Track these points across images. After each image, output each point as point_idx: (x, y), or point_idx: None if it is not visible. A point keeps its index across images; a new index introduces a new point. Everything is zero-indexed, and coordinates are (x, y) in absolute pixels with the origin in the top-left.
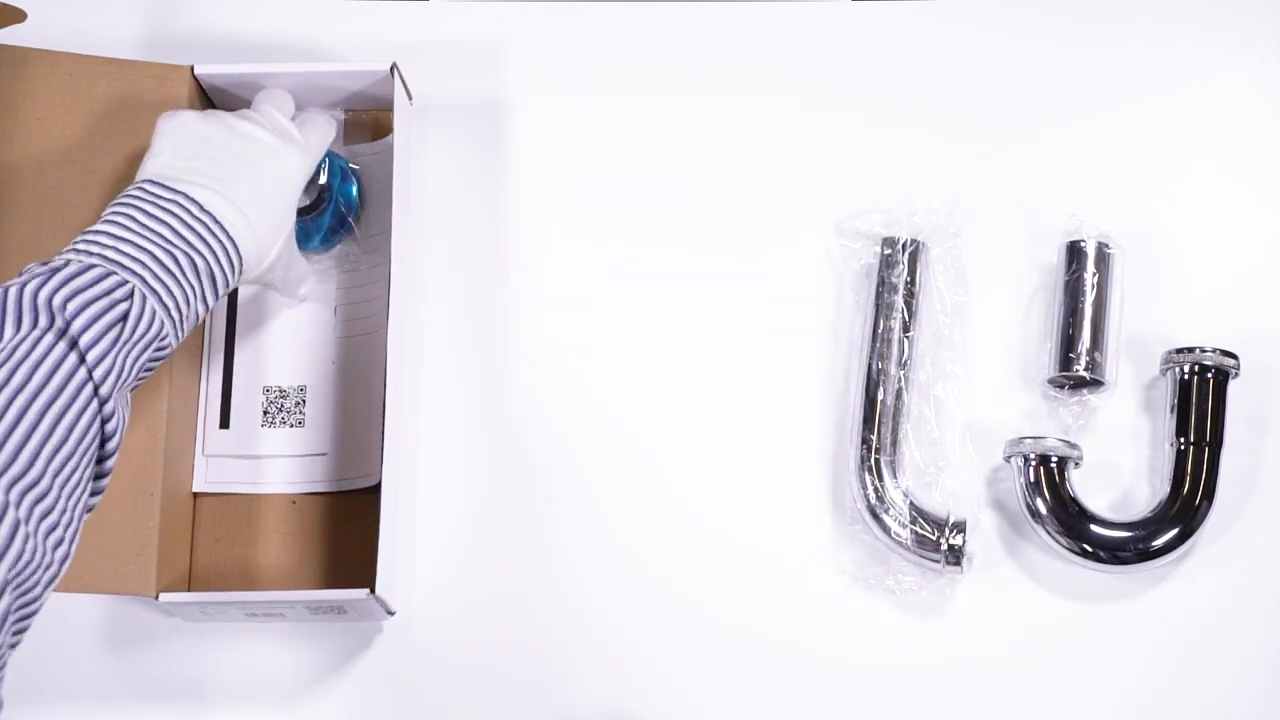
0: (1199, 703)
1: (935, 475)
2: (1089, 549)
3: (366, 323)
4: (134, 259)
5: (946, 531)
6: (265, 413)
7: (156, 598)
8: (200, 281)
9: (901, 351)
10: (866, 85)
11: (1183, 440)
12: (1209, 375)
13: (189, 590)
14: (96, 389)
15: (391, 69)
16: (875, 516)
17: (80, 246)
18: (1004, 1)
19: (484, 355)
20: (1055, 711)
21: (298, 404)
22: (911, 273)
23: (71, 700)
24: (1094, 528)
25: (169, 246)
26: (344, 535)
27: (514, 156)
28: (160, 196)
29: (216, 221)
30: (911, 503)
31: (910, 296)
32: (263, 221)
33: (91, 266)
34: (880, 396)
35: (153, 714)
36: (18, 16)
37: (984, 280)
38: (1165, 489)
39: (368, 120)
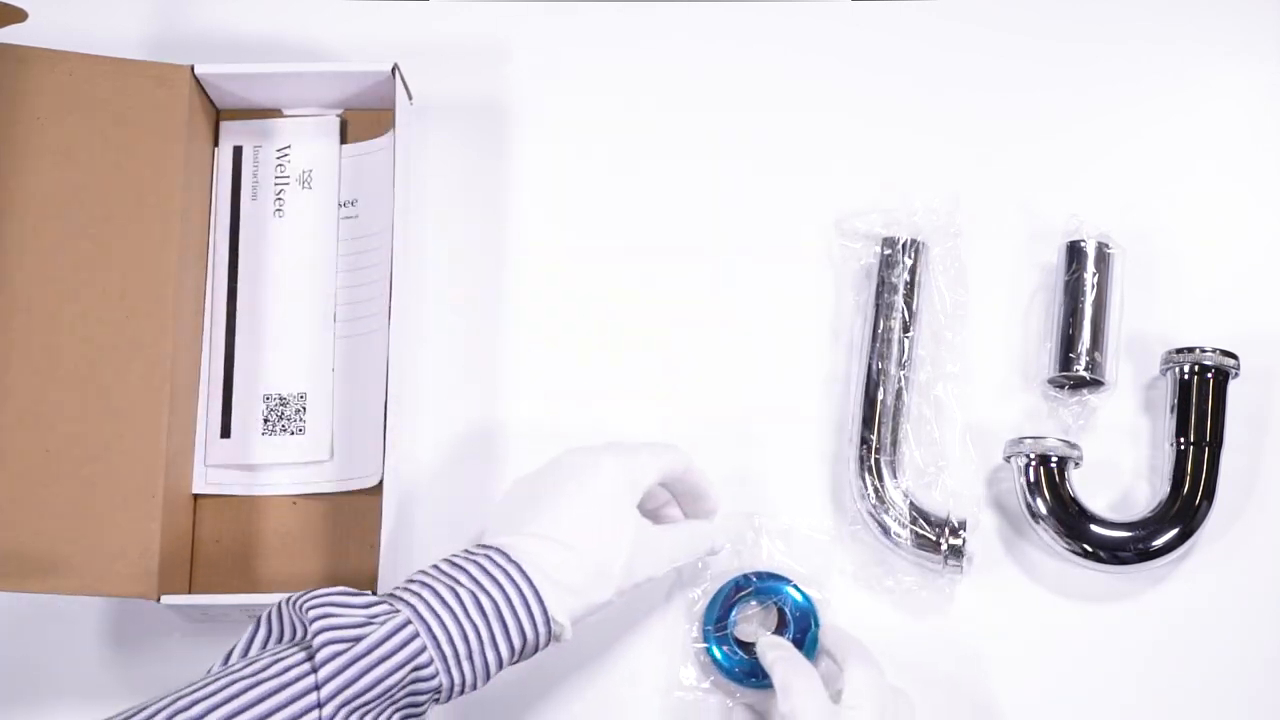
0: (1199, 703)
1: (935, 475)
2: (1089, 549)
3: (366, 322)
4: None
5: (946, 531)
6: (265, 420)
7: (158, 600)
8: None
9: (901, 351)
10: (866, 85)
11: (1183, 440)
12: (1209, 375)
13: (190, 592)
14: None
15: (393, 70)
16: (875, 516)
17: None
18: (1004, 1)
19: (484, 355)
20: (1055, 711)
21: (298, 411)
22: (911, 273)
23: (73, 702)
24: (1094, 528)
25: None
26: (344, 536)
27: (514, 156)
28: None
29: (515, 565)
30: (911, 503)
31: (910, 296)
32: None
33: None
34: (880, 397)
35: None
36: (18, 16)
37: (984, 280)
38: (1165, 489)
39: (368, 120)
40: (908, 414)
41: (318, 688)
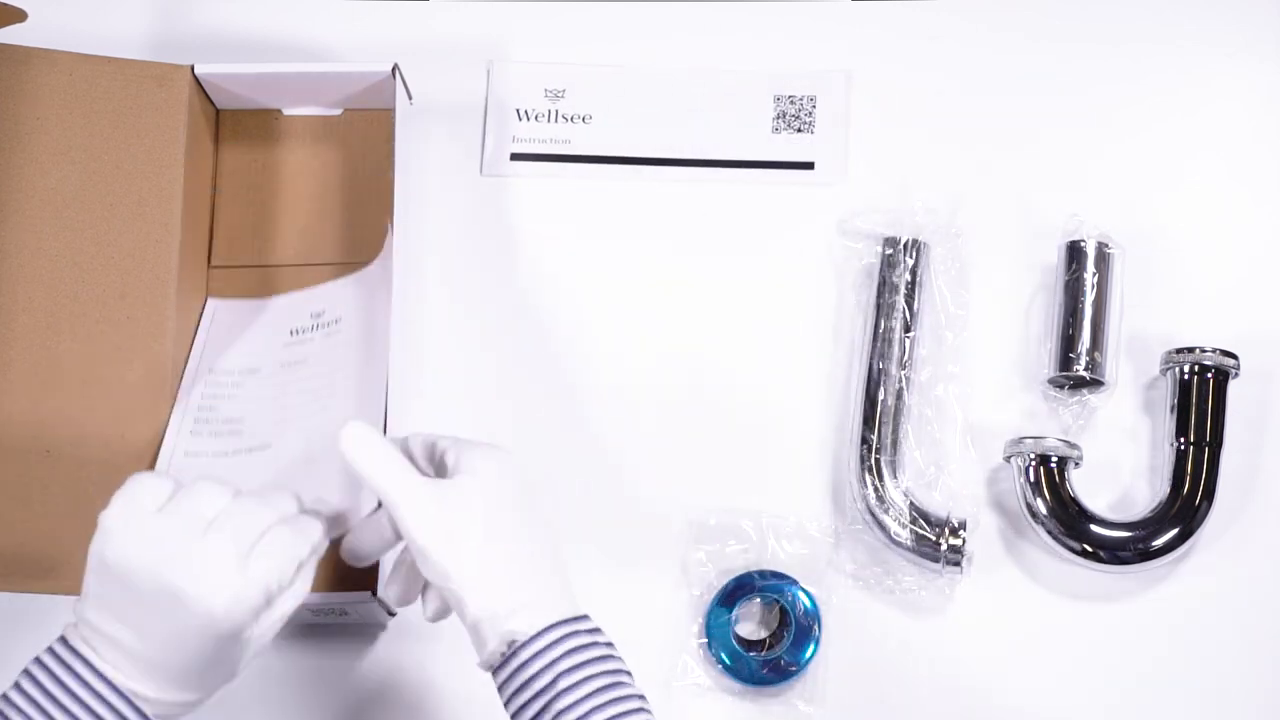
0: (1199, 703)
1: (935, 475)
2: (1089, 549)
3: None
4: None
5: (946, 531)
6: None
7: None
8: None
9: (902, 352)
10: (866, 85)
11: (1183, 440)
12: (1209, 375)
13: None
14: None
15: (393, 70)
16: (875, 516)
17: None
18: (1004, 1)
19: (484, 355)
20: (1055, 711)
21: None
22: (913, 273)
23: None
24: (1094, 528)
25: None
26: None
27: None
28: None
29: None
30: (911, 503)
31: (911, 296)
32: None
33: None
34: (881, 397)
35: None
36: (18, 16)
37: (984, 280)
38: (1165, 489)
39: (368, 120)
40: (908, 414)
41: None
